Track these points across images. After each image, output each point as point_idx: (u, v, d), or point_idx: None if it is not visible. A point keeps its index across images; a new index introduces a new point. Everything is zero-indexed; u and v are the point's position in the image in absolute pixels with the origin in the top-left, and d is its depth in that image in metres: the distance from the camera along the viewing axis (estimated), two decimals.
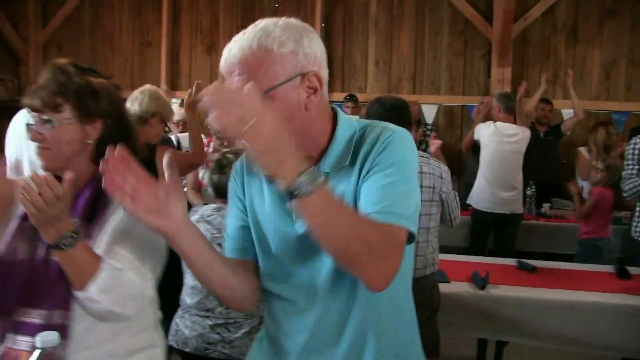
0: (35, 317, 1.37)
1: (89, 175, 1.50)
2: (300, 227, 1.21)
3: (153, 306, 1.59)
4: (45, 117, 1.42)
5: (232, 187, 1.36)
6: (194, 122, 3.21)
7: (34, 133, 1.43)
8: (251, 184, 1.31)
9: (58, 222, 1.29)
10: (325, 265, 1.22)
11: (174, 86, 7.33)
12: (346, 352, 1.26)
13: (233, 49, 1.14)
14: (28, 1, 7.57)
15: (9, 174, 3.07)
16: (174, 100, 7.06)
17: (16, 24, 7.61)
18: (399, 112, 2.64)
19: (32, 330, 1.32)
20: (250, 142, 0.97)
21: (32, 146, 1.48)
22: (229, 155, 2.54)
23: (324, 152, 1.23)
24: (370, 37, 6.84)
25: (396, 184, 1.14)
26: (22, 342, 1.36)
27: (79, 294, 1.34)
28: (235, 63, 1.13)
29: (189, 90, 3.22)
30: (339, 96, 6.59)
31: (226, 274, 1.24)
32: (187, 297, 2.37)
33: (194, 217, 2.42)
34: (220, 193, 2.49)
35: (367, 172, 1.17)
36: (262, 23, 1.18)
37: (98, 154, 1.46)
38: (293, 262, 1.25)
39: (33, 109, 1.43)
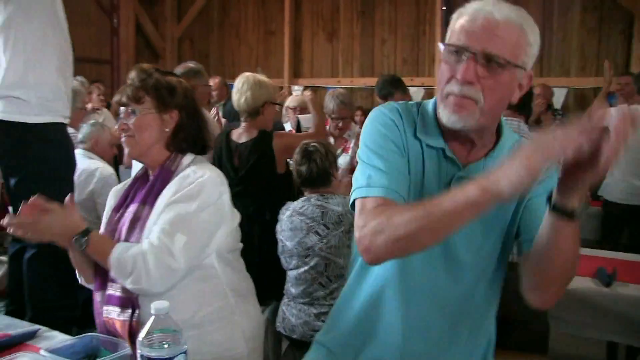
0: (116, 289, 1.58)
1: (162, 161, 1.67)
2: None
3: (224, 279, 1.68)
4: (130, 108, 1.63)
5: (392, 133, 1.28)
6: (316, 102, 3.34)
7: (121, 124, 1.65)
8: (412, 145, 1.28)
9: (64, 230, 1.54)
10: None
11: (296, 73, 7.52)
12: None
13: (498, 10, 1.14)
14: (166, 2, 8.13)
15: None
16: (296, 87, 7.25)
17: (156, 23, 8.22)
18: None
19: (116, 302, 1.57)
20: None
21: None
22: (313, 144, 2.52)
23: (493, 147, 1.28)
24: None
25: None
26: (112, 311, 1.58)
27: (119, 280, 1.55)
28: (496, 22, 1.13)
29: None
30: None
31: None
32: (292, 288, 2.45)
33: (286, 213, 2.46)
34: (309, 182, 2.48)
35: None
36: (520, 9, 1.17)
37: (173, 141, 1.68)
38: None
39: (120, 104, 1.65)
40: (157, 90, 1.64)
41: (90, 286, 1.70)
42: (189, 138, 1.70)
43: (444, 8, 6.52)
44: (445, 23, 6.44)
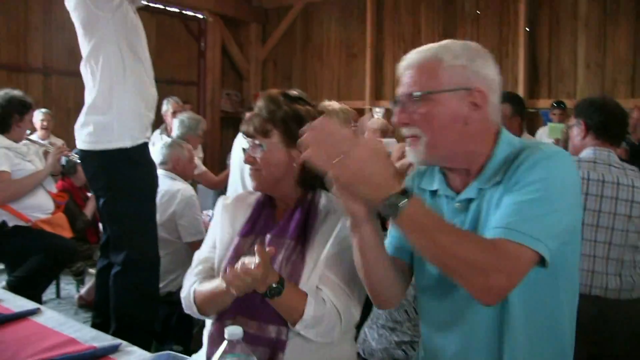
0: (250, 328, 1.50)
1: (296, 197, 1.63)
2: None
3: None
4: (257, 141, 1.58)
5: None
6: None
7: (247, 156, 1.61)
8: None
9: (263, 280, 1.38)
10: None
11: (377, 95, 7.54)
12: None
13: (414, 54, 1.30)
14: (251, 25, 8.42)
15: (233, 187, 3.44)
16: (377, 109, 7.27)
17: (241, 45, 8.52)
18: (613, 117, 2.42)
19: (247, 340, 1.43)
20: (335, 175, 1.11)
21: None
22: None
23: (482, 168, 1.29)
24: (580, 38, 6.28)
25: (533, 202, 1.15)
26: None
27: (291, 327, 1.49)
28: (411, 65, 1.29)
29: None
30: (545, 103, 6.19)
31: (387, 269, 1.35)
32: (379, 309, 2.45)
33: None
34: None
35: (510, 188, 1.20)
36: (445, 42, 1.32)
37: (303, 177, 1.59)
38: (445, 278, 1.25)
39: (247, 135, 1.61)
40: (285, 124, 1.57)
41: (209, 318, 1.65)
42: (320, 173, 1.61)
43: (528, 29, 6.36)
44: (529, 44, 6.31)
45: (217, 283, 1.52)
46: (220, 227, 1.72)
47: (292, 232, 1.56)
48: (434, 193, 1.37)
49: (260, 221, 1.65)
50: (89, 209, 4.35)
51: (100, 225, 3.40)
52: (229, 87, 8.39)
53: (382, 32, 7.52)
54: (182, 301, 1.66)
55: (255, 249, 1.35)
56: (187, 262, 1.82)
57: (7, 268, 3.63)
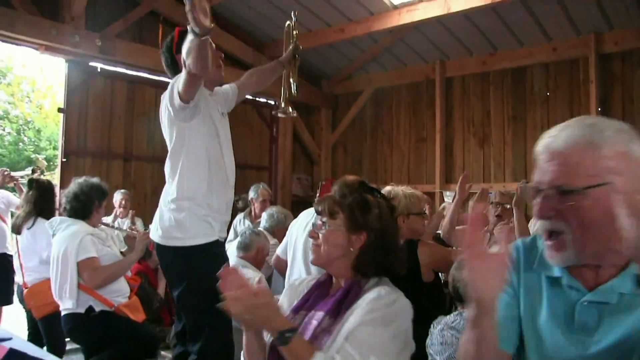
0: None
1: (348, 278, 1.71)
2: (585, 349, 1.15)
3: None
4: (323, 219, 1.74)
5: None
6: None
7: (312, 231, 1.76)
8: (529, 280, 1.29)
9: (269, 322, 1.48)
10: None
11: (447, 179, 7.46)
12: None
13: (561, 138, 1.15)
14: (321, 111, 8.67)
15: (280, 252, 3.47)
16: (447, 193, 7.18)
17: (312, 131, 8.74)
18: None
19: None
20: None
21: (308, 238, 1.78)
22: None
23: (624, 267, 1.17)
24: None
25: None
26: None
27: None
28: (559, 152, 1.15)
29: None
30: None
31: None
32: (437, 356, 2.32)
33: (438, 327, 2.37)
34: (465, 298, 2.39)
35: None
36: (590, 119, 1.18)
37: (358, 262, 1.70)
38: None
39: (317, 212, 1.78)
40: (352, 211, 1.71)
41: None
42: (374, 262, 1.70)
43: (600, 109, 6.21)
44: None
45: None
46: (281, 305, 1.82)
47: (329, 308, 1.64)
48: (553, 280, 1.24)
49: (312, 299, 1.76)
50: (162, 288, 4.41)
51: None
52: (300, 172, 8.55)
53: (451, 116, 7.54)
54: None
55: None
56: None
57: (85, 351, 3.63)
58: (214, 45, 2.79)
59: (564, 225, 1.13)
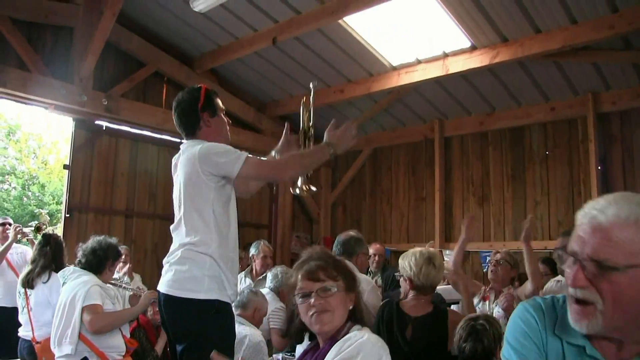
0: None
1: (333, 333, 1.77)
2: None
3: None
4: (328, 285, 1.79)
5: (532, 331, 1.29)
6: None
7: (317, 299, 1.77)
8: (552, 343, 1.27)
9: None
10: None
11: (447, 238, 7.47)
12: None
13: (606, 213, 1.15)
14: (321, 170, 8.76)
15: None
16: (447, 252, 7.16)
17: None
18: None
19: None
20: None
21: None
22: (481, 322, 2.44)
23: None
24: None
25: None
26: None
27: None
28: (603, 227, 1.14)
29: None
30: None
31: None
32: None
33: None
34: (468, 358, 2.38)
35: None
36: (638, 197, 1.19)
37: (355, 316, 1.79)
38: None
39: (315, 279, 1.81)
40: (346, 272, 1.85)
41: None
42: (360, 314, 1.83)
43: (600, 167, 6.28)
44: (602, 182, 6.19)
45: None
46: None
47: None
48: (578, 348, 1.23)
49: None
50: (160, 346, 4.40)
51: None
52: (299, 229, 8.56)
53: (450, 175, 7.62)
54: None
55: None
56: None
57: None
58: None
59: (597, 297, 1.14)
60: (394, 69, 6.51)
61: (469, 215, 3.92)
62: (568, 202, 6.52)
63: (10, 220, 5.81)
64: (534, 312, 1.30)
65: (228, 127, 2.99)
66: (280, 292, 4.57)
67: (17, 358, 4.96)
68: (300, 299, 1.78)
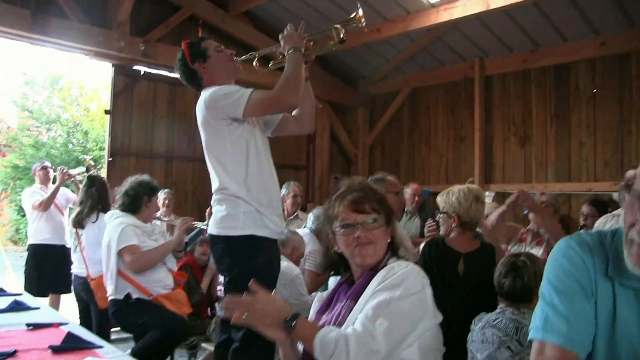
0: None
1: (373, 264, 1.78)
2: None
3: None
4: (372, 218, 1.78)
5: (578, 272, 1.23)
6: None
7: (363, 232, 1.77)
8: (602, 284, 1.21)
9: (276, 313, 1.64)
10: None
11: (487, 179, 7.38)
12: None
13: None
14: (358, 111, 8.69)
15: None
16: (487, 193, 7.09)
17: (349, 131, 8.77)
18: None
19: None
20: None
21: None
22: (522, 259, 2.43)
23: None
24: None
25: None
26: None
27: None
28: None
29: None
30: None
31: None
32: (477, 353, 2.32)
33: (479, 324, 2.37)
34: (509, 297, 2.38)
35: None
36: None
37: (392, 250, 1.83)
38: None
39: (359, 211, 1.79)
40: (387, 206, 1.82)
41: None
42: (397, 248, 1.84)
43: None
44: None
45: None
46: (310, 315, 1.93)
47: (352, 293, 1.74)
48: (635, 291, 1.18)
49: (336, 296, 1.83)
50: (205, 284, 4.56)
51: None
52: (337, 171, 8.58)
53: (490, 115, 7.44)
54: None
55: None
56: None
57: (134, 338, 3.88)
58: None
59: None
60: (433, 5, 6.28)
61: (519, 191, 3.79)
62: (616, 142, 6.28)
63: (49, 164, 6.13)
64: (580, 251, 1.22)
65: (233, 57, 2.99)
66: (320, 234, 4.62)
67: (71, 293, 5.28)
68: (343, 230, 1.77)
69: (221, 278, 4.45)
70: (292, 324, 1.60)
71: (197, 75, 2.96)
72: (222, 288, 4.29)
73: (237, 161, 2.78)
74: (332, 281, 3.62)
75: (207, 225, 4.06)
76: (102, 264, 3.81)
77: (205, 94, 2.82)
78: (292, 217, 5.55)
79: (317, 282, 4.56)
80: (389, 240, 1.80)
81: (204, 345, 4.44)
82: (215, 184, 2.88)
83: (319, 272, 4.62)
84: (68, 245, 5.71)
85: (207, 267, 4.74)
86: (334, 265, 1.89)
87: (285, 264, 3.64)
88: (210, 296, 4.66)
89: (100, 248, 4.37)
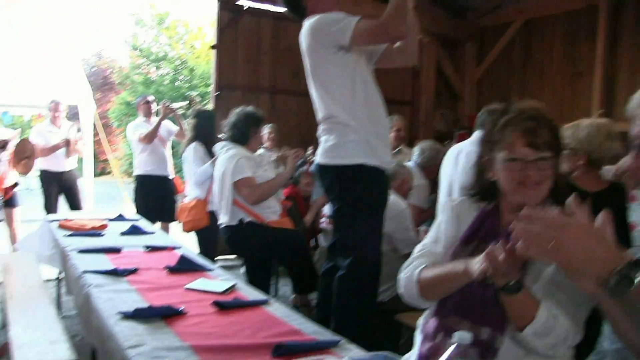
0: (464, 327, 1.50)
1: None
2: None
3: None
4: (546, 155, 1.54)
5: None
6: None
7: (532, 169, 1.53)
8: None
9: (507, 273, 1.35)
10: None
11: (608, 116, 6.85)
12: None
13: None
14: (466, 45, 8.28)
15: (443, 198, 3.43)
16: None
17: (456, 65, 8.40)
18: None
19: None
20: (554, 261, 1.04)
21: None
22: None
23: None
24: None
25: None
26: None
27: (516, 333, 1.43)
28: None
29: None
30: None
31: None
32: (605, 342, 2.19)
33: None
34: None
35: None
36: None
37: (558, 190, 1.59)
38: None
39: (536, 147, 1.53)
40: (560, 142, 1.59)
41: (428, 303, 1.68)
42: (563, 189, 1.59)
43: None
44: None
45: (451, 266, 1.55)
46: (446, 224, 1.75)
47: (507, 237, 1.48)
48: None
49: (483, 229, 1.63)
50: (309, 218, 4.65)
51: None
52: (442, 107, 8.31)
53: (615, 47, 6.81)
54: (401, 282, 1.71)
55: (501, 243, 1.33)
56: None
57: (245, 261, 4.11)
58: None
59: None
60: None
61: None
62: None
63: (152, 98, 6.39)
64: None
65: None
66: (426, 168, 4.55)
67: (175, 221, 5.60)
68: (508, 164, 1.55)
69: (325, 209, 4.51)
70: (513, 289, 1.36)
71: (302, 3, 2.91)
72: (325, 220, 4.35)
73: (344, 88, 2.75)
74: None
75: (314, 155, 4.09)
76: (214, 193, 3.95)
77: (310, 21, 2.79)
78: (395, 151, 5.46)
79: (421, 217, 4.50)
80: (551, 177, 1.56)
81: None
82: (321, 112, 2.86)
83: (424, 206, 4.56)
84: (171, 177, 6.04)
85: (310, 198, 4.82)
86: (484, 192, 1.69)
87: (392, 197, 3.61)
88: (313, 228, 4.75)
89: (190, 177, 4.71)
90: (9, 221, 5.77)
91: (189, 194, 4.83)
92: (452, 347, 1.10)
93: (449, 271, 1.55)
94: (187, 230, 4.75)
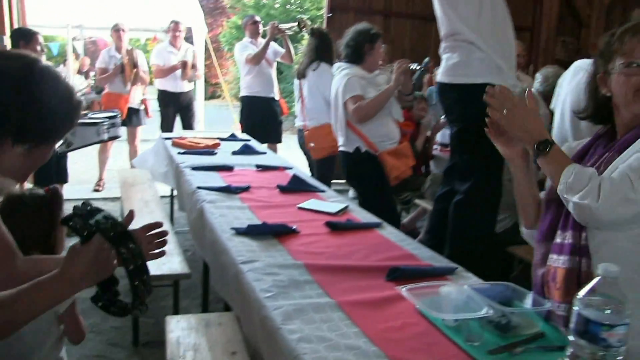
0: (566, 238, 1.49)
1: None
2: None
3: None
4: None
5: None
6: None
7: None
8: None
9: (533, 127, 1.49)
10: None
11: None
12: None
13: None
14: None
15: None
16: None
17: None
18: None
19: (566, 250, 1.48)
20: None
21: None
22: None
23: None
24: None
25: None
26: (558, 259, 1.50)
27: (565, 196, 1.43)
28: None
29: None
30: None
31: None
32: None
33: None
34: None
35: None
36: None
37: None
38: None
39: None
40: None
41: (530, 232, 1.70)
42: None
43: None
44: None
45: None
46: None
47: (614, 146, 1.51)
48: None
49: (593, 149, 1.61)
50: (419, 142, 4.55)
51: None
52: (565, 34, 7.70)
53: None
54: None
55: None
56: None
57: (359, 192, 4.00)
58: None
59: None
60: None
61: None
62: None
63: (259, 18, 6.34)
64: None
65: None
66: (549, 97, 4.27)
67: (281, 143, 5.80)
68: (627, 70, 1.46)
69: (438, 137, 4.38)
70: (547, 148, 1.45)
71: None
72: (438, 147, 4.23)
73: (470, 4, 2.61)
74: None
75: (418, 65, 3.92)
76: (331, 115, 3.87)
77: None
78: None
79: None
80: None
81: (417, 201, 4.51)
82: (444, 28, 2.74)
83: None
84: (277, 98, 6.05)
85: (421, 124, 4.65)
86: (599, 110, 1.60)
87: None
88: (425, 153, 4.66)
89: (319, 97, 4.58)
90: (132, 139, 6.12)
91: (313, 117, 4.70)
92: (596, 279, 1.05)
93: None
94: (316, 157, 4.68)
